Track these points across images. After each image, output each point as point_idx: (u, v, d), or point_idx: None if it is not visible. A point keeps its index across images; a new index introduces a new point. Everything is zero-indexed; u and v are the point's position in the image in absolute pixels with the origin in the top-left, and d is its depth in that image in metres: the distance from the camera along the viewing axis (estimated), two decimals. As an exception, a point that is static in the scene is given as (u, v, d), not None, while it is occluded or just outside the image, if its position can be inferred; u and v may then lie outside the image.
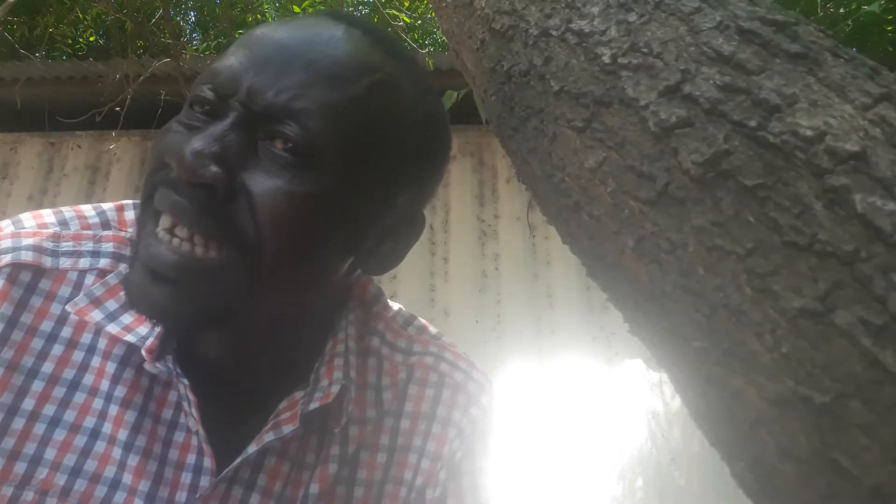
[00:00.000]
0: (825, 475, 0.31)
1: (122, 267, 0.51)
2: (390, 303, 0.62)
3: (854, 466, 0.30)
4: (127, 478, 0.48)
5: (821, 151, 0.34)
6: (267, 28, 0.46)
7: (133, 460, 0.48)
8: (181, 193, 0.42)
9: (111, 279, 0.50)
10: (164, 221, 0.43)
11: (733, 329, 0.35)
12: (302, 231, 0.44)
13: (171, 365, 0.47)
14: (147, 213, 0.44)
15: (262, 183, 0.42)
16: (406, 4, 4.88)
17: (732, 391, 0.36)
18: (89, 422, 0.48)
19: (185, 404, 0.48)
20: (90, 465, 0.48)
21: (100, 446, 0.48)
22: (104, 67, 3.44)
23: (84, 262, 0.51)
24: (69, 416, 0.48)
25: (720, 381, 0.36)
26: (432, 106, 0.53)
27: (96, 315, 0.48)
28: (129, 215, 0.55)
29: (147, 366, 0.48)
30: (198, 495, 0.48)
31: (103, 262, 0.51)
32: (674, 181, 0.39)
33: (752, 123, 0.37)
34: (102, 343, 0.50)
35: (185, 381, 0.47)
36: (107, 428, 0.48)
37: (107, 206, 0.55)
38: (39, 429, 0.47)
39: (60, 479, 0.47)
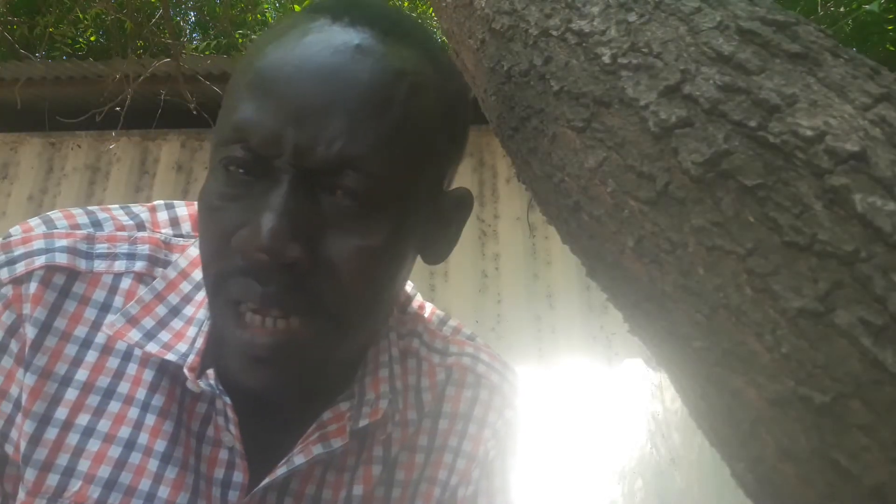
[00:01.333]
0: (825, 475, 0.31)
1: (158, 272, 0.50)
2: (423, 301, 0.61)
3: (854, 466, 0.30)
4: (164, 491, 0.46)
5: (821, 151, 0.34)
6: (278, 57, 0.41)
7: (171, 472, 0.46)
8: (265, 281, 0.40)
9: (146, 295, 0.48)
10: (251, 305, 0.41)
11: (733, 329, 0.35)
12: (385, 280, 0.45)
13: (213, 382, 0.45)
14: (223, 302, 0.42)
15: (339, 246, 0.41)
16: (406, 4, 4.88)
17: (732, 391, 0.36)
18: (124, 432, 0.47)
19: (221, 419, 0.47)
20: (125, 478, 0.46)
21: (135, 458, 0.46)
22: (104, 67, 3.44)
23: (119, 265, 0.50)
24: (103, 425, 0.46)
25: (720, 381, 0.36)
26: (452, 80, 0.50)
27: (134, 335, 0.47)
28: (162, 216, 0.54)
29: (189, 384, 0.46)
30: None
31: (139, 265, 0.50)
32: (674, 181, 0.39)
33: (752, 123, 0.37)
34: (139, 350, 0.48)
35: (228, 400, 0.46)
36: (143, 438, 0.47)
37: (138, 207, 0.54)
38: (73, 439, 0.46)
39: (94, 493, 0.45)
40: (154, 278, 0.49)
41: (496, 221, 3.40)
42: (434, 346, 0.58)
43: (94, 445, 0.46)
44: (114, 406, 0.47)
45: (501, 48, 0.57)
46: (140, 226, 0.52)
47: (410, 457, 0.54)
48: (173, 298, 0.49)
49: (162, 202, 0.55)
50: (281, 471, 0.46)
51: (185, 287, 0.50)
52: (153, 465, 0.46)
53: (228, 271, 0.41)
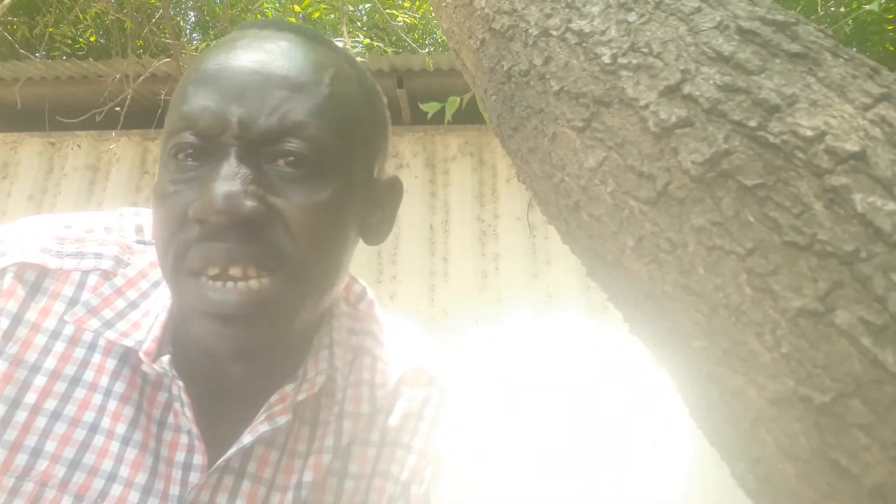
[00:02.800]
0: (825, 475, 0.31)
1: (121, 271, 0.53)
2: (374, 300, 0.65)
3: (854, 466, 0.30)
4: (124, 471, 0.49)
5: (821, 151, 0.34)
6: (218, 58, 0.46)
7: (131, 454, 0.50)
8: (226, 238, 0.43)
9: (105, 290, 0.52)
10: (212, 270, 0.44)
11: (733, 329, 0.35)
12: (332, 236, 0.49)
13: (167, 367, 0.49)
14: (185, 275, 0.45)
15: (289, 203, 0.45)
16: (406, 4, 4.88)
17: (732, 391, 0.36)
18: (88, 416, 0.50)
19: (177, 404, 0.50)
20: (88, 458, 0.49)
21: (98, 440, 0.50)
22: (104, 67, 3.44)
23: (87, 264, 0.53)
24: (69, 410, 0.50)
25: (720, 381, 0.36)
26: (368, 78, 0.57)
27: (94, 324, 0.50)
28: (128, 222, 0.58)
29: (145, 367, 0.49)
30: (189, 488, 0.50)
31: (105, 264, 0.54)
32: (674, 181, 0.39)
33: (752, 123, 0.37)
34: (103, 341, 0.52)
35: (181, 383, 0.49)
36: (105, 422, 0.50)
37: (106, 213, 0.58)
38: (40, 422, 0.49)
39: (59, 471, 0.48)
40: (117, 276, 0.54)
41: (496, 221, 3.40)
42: (389, 347, 0.62)
43: (60, 428, 0.49)
44: (79, 392, 0.50)
45: (501, 48, 0.57)
46: (107, 229, 0.56)
47: (363, 450, 0.57)
48: (132, 294, 0.52)
49: (129, 209, 0.59)
50: (232, 450, 0.50)
51: (144, 285, 0.54)
52: (114, 446, 0.50)
53: (188, 242, 0.44)
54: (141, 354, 0.49)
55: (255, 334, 0.45)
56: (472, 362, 3.11)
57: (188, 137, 0.45)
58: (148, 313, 0.52)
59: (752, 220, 0.35)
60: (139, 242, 0.57)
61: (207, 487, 0.50)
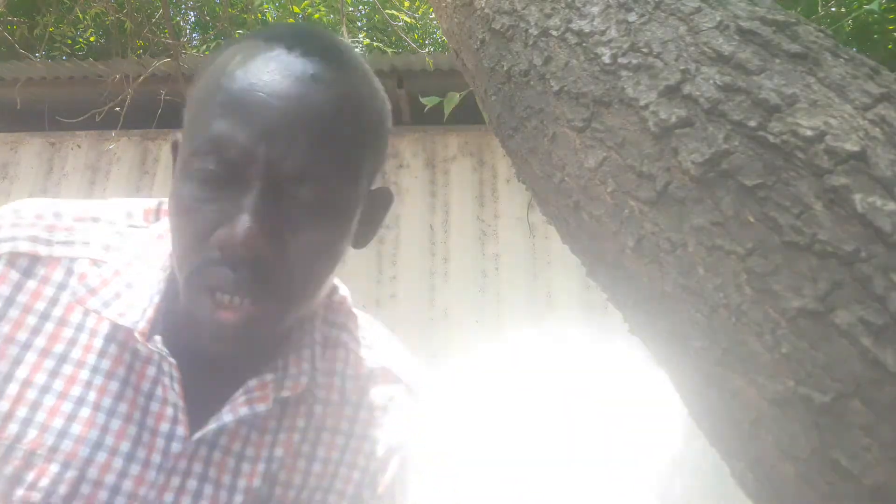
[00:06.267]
0: (825, 475, 0.31)
1: (111, 256, 0.57)
2: (346, 295, 0.69)
3: (854, 466, 0.30)
4: (109, 440, 0.53)
5: (821, 151, 0.34)
6: (247, 81, 0.49)
7: (115, 424, 0.54)
8: (239, 268, 0.48)
9: (104, 272, 0.56)
10: (221, 296, 0.50)
11: (733, 329, 0.35)
12: (328, 272, 0.55)
13: (160, 346, 0.53)
14: (198, 288, 0.50)
15: (296, 244, 0.50)
16: (406, 5, 4.88)
17: (732, 391, 0.36)
18: (75, 390, 0.54)
19: (166, 379, 0.54)
20: (75, 429, 0.53)
21: (84, 412, 0.53)
22: (104, 67, 3.43)
23: (76, 251, 0.57)
24: (58, 384, 0.54)
25: (720, 381, 0.36)
26: (380, 92, 0.58)
27: (94, 303, 0.54)
28: (116, 209, 0.61)
29: (140, 346, 0.54)
30: (170, 456, 0.54)
31: (93, 251, 0.57)
32: (674, 181, 0.39)
33: (752, 123, 0.37)
34: (90, 322, 0.56)
35: (173, 361, 0.53)
36: (91, 396, 0.54)
37: (95, 201, 0.62)
38: (31, 394, 0.53)
39: (48, 440, 0.52)
40: (105, 262, 0.57)
41: (496, 221, 3.40)
42: (362, 343, 0.66)
43: (49, 401, 0.53)
44: (67, 368, 0.54)
45: (501, 48, 0.57)
46: (95, 218, 0.60)
47: (332, 437, 0.61)
48: (127, 276, 0.57)
49: (116, 199, 0.63)
50: (212, 426, 0.54)
51: (138, 267, 0.57)
52: (100, 417, 0.54)
53: (206, 262, 0.49)
54: (136, 334, 0.53)
55: (244, 346, 0.52)
56: (472, 362, 3.11)
57: (213, 164, 0.48)
58: (142, 296, 0.56)
59: (752, 220, 0.35)
60: (130, 227, 0.60)
61: (185, 457, 0.55)
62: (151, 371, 0.56)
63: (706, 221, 0.37)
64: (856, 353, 0.30)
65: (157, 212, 0.62)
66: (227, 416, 0.54)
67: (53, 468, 0.52)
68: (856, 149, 0.34)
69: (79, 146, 3.66)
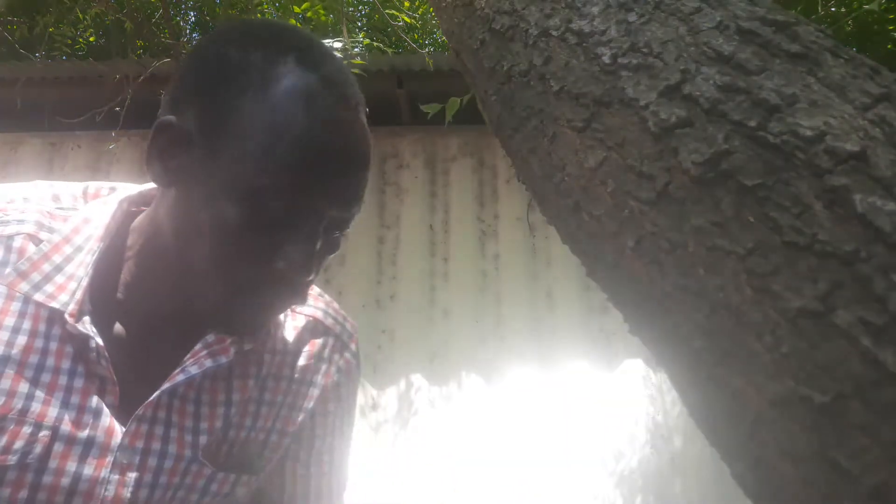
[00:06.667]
0: (825, 475, 0.31)
1: (44, 235, 0.60)
2: None
3: (854, 466, 0.30)
4: (75, 398, 0.57)
5: (821, 151, 0.34)
6: (329, 139, 0.55)
7: (79, 383, 0.57)
8: (295, 289, 0.58)
9: (34, 255, 0.58)
10: (265, 311, 0.59)
11: (733, 329, 0.35)
12: None
13: (88, 327, 0.57)
14: (251, 297, 0.57)
15: (323, 259, 0.59)
16: (406, 4, 4.88)
17: (732, 391, 0.36)
18: (33, 358, 0.57)
19: (93, 355, 0.58)
20: (40, 392, 0.56)
21: (46, 377, 0.56)
22: (104, 67, 3.43)
23: (10, 229, 0.60)
24: (15, 354, 0.56)
25: (720, 381, 0.36)
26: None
27: (24, 287, 0.57)
28: (44, 192, 0.64)
29: (69, 327, 0.57)
30: (142, 405, 0.59)
31: (29, 228, 0.60)
32: (674, 181, 0.39)
33: (752, 123, 0.37)
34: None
35: (100, 342, 0.57)
36: (50, 361, 0.57)
37: (20, 184, 0.65)
38: None
39: (17, 404, 0.55)
40: (41, 241, 0.60)
41: (496, 221, 3.40)
42: None
43: (10, 369, 0.56)
44: (21, 339, 0.57)
45: (501, 48, 0.57)
46: (26, 199, 0.62)
47: (277, 383, 0.68)
48: (57, 258, 0.59)
49: (41, 181, 0.66)
50: (179, 378, 0.59)
51: (67, 250, 0.60)
52: (63, 379, 0.57)
53: (263, 279, 0.56)
54: (66, 316, 0.56)
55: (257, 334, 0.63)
56: (471, 362, 3.12)
57: (286, 205, 0.54)
58: (73, 277, 0.58)
59: (752, 220, 0.35)
60: (59, 209, 0.63)
61: (150, 406, 0.60)
62: (93, 343, 0.58)
63: (706, 221, 0.37)
64: (856, 353, 0.30)
65: (85, 196, 0.65)
66: (192, 368, 0.60)
67: (26, 430, 0.55)
68: (856, 149, 0.34)
69: (79, 146, 3.66)
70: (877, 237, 0.31)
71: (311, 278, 0.57)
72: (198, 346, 0.61)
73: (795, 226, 0.34)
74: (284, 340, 0.69)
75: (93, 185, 0.66)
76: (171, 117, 0.58)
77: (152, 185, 0.64)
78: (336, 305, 0.77)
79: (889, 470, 0.29)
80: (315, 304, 0.74)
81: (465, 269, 3.29)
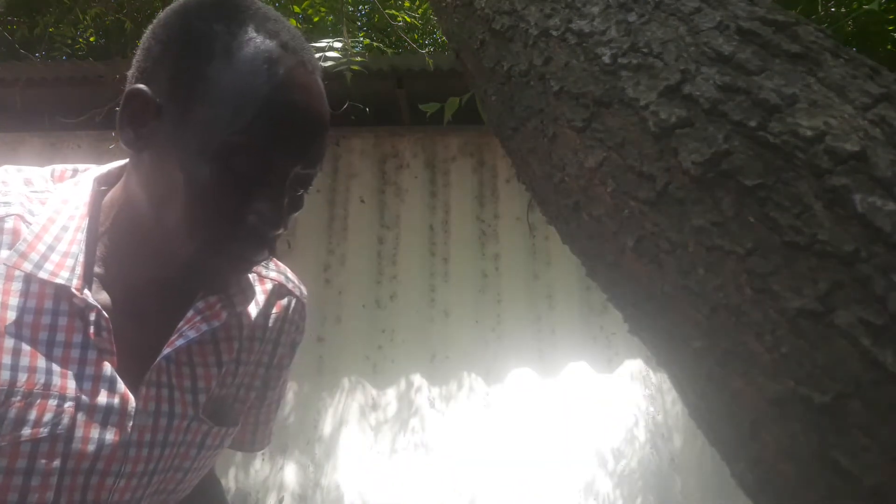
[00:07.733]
0: (825, 475, 0.31)
1: (31, 217, 0.62)
2: None
3: (854, 466, 0.30)
4: (89, 370, 0.60)
5: (821, 151, 0.34)
6: (292, 98, 0.58)
7: (92, 355, 0.60)
8: (266, 242, 0.60)
9: (28, 236, 0.60)
10: (251, 261, 0.62)
11: (733, 329, 0.35)
12: None
13: (92, 300, 0.60)
14: (227, 250, 0.59)
15: (291, 216, 0.62)
16: (406, 4, 4.88)
17: (732, 391, 0.36)
18: (43, 335, 0.58)
19: (93, 328, 0.60)
20: (57, 367, 0.58)
21: (58, 352, 0.59)
22: (104, 67, 3.43)
23: (0, 211, 0.61)
24: (26, 332, 0.58)
25: (720, 381, 0.36)
26: None
27: (27, 266, 0.59)
28: (15, 177, 0.66)
29: (76, 300, 0.59)
30: (147, 371, 0.63)
31: (17, 209, 0.62)
32: (674, 181, 0.39)
33: (752, 123, 0.37)
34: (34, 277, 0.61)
35: (105, 314, 0.60)
36: (60, 337, 0.59)
37: (10, 167, 0.67)
38: (9, 343, 0.57)
39: (40, 378, 0.57)
40: (30, 223, 0.62)
41: (496, 221, 3.40)
42: (264, 264, 0.79)
43: (26, 346, 0.58)
44: (27, 318, 0.59)
45: (501, 48, 0.57)
46: (6, 182, 0.64)
47: (251, 344, 0.74)
48: (48, 238, 0.61)
49: (9, 166, 0.68)
50: (179, 342, 0.63)
51: (54, 230, 0.62)
52: (75, 353, 0.59)
53: (236, 233, 0.58)
54: (73, 290, 0.59)
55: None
56: (471, 362, 3.12)
57: (255, 163, 0.57)
58: (68, 254, 0.60)
59: (752, 220, 0.35)
60: (33, 192, 0.65)
61: (155, 370, 0.63)
62: (93, 317, 0.61)
63: (706, 221, 0.37)
64: (856, 353, 0.30)
65: (52, 178, 0.68)
66: (189, 332, 0.64)
67: (52, 402, 0.57)
68: (856, 149, 0.34)
69: (79, 146, 3.66)
70: (877, 237, 0.31)
71: (279, 232, 0.60)
72: (190, 313, 0.65)
73: (795, 226, 0.34)
74: (256, 303, 0.75)
75: (58, 168, 0.69)
76: (141, 86, 0.60)
77: (116, 164, 0.70)
78: (287, 269, 0.84)
79: (889, 470, 0.29)
80: (277, 269, 0.80)
81: (465, 269, 3.29)
